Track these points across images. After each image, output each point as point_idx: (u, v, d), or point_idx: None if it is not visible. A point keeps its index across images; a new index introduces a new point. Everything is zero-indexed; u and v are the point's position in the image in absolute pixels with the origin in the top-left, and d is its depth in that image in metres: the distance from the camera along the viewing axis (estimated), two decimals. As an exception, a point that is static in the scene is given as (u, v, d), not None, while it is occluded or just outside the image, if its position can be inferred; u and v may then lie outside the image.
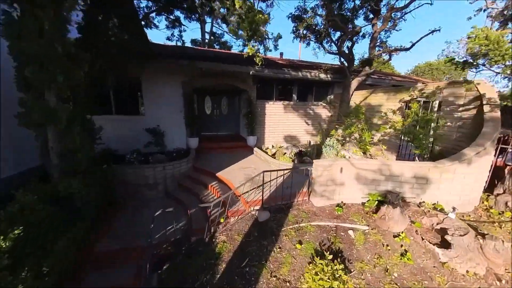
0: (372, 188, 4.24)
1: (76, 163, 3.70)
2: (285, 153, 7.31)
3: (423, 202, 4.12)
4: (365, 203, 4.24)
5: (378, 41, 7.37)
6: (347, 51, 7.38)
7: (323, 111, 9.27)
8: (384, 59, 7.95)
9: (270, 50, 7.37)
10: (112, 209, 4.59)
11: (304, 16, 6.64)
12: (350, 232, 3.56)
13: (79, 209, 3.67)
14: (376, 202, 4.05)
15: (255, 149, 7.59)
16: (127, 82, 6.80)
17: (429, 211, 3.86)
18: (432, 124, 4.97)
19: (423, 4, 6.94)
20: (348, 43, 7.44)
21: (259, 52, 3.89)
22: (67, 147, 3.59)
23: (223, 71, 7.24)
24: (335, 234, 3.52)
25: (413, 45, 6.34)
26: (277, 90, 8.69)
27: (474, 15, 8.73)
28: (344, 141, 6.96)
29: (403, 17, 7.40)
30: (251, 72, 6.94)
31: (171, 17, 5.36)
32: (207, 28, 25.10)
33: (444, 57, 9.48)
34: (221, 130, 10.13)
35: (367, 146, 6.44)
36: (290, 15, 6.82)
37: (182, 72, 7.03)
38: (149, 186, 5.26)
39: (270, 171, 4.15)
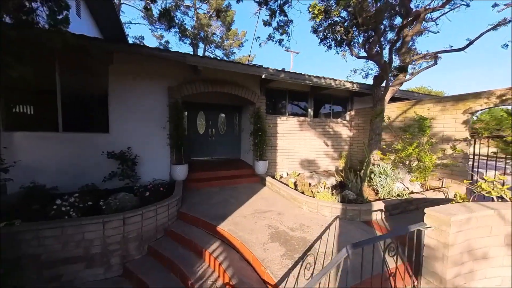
0: (538, 262, 2.08)
1: None
2: (310, 184, 5.10)
3: None
4: (530, 295, 2.02)
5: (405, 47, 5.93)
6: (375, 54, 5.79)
7: (344, 130, 7.41)
8: (415, 67, 6.48)
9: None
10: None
11: (331, 8, 5.06)
12: None
13: None
14: None
15: (268, 179, 5.32)
16: (85, 84, 4.55)
17: None
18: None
19: (459, 5, 5.76)
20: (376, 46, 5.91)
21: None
22: None
23: (223, 76, 5.27)
24: None
25: (470, 43, 4.85)
26: (289, 104, 6.80)
27: (497, 27, 7.83)
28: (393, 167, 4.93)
29: (436, 21, 6.15)
30: (263, 75, 5.01)
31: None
32: (199, 52, 24.23)
33: None
34: (217, 154, 7.84)
35: (426, 173, 4.44)
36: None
37: (168, 75, 4.96)
38: (91, 259, 2.71)
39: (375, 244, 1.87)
